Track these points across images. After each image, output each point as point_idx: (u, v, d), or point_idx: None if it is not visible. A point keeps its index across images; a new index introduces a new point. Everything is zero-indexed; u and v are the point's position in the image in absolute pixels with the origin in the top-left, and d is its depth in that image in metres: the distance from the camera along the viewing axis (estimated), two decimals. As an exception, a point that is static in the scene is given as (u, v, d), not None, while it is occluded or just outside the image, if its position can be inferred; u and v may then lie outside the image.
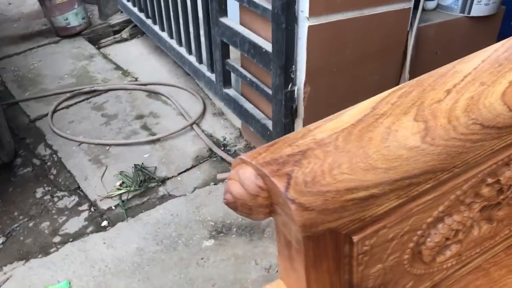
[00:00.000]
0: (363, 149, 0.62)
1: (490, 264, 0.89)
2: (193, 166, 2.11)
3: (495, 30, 2.09)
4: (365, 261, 0.67)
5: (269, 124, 1.88)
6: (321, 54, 1.67)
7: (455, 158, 0.66)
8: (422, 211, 0.69)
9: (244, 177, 0.62)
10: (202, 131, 2.31)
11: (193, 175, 2.06)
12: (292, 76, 1.68)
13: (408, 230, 0.70)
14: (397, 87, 0.73)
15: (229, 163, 2.08)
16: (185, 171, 2.09)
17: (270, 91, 1.80)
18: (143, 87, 2.68)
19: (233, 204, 0.63)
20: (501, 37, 2.17)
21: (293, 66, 1.67)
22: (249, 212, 0.63)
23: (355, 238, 0.64)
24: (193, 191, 1.97)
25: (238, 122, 2.28)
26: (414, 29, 1.82)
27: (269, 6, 1.62)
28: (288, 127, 1.79)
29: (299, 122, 1.80)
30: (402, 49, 1.85)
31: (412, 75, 1.84)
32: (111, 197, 1.97)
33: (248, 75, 1.92)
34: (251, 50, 1.79)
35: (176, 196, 1.95)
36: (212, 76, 2.22)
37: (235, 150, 2.17)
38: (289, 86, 1.70)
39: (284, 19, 1.56)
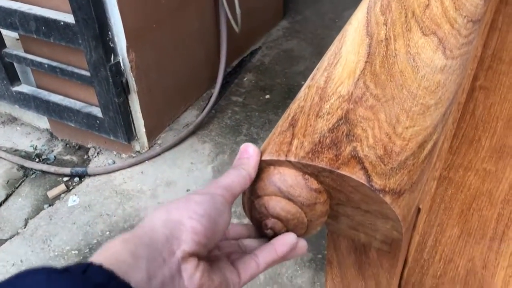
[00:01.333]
0: (405, 88, 0.46)
1: (446, 170, 0.86)
2: (8, 195, 1.64)
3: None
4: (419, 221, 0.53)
5: (96, 111, 1.54)
6: (137, 10, 1.39)
7: (466, 68, 0.56)
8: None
9: (287, 186, 0.40)
10: (-1, 148, 1.80)
11: (15, 205, 1.60)
12: (111, 45, 1.37)
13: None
14: (365, 3, 0.58)
15: (55, 174, 1.67)
16: (0, 205, 1.61)
17: (85, 72, 1.45)
18: None
19: (282, 231, 0.41)
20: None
21: (109, 33, 1.35)
22: (306, 231, 0.42)
23: (421, 204, 0.49)
24: (26, 225, 1.53)
25: (43, 122, 1.84)
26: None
27: (52, -35, 1.25)
28: (124, 108, 1.49)
29: (134, 98, 1.51)
30: (211, -15, 1.68)
31: (233, 11, 1.70)
32: None
33: (45, 61, 1.51)
34: (42, 28, 1.39)
35: (6, 240, 1.49)
36: (-13, 77, 1.70)
37: (55, 157, 1.75)
38: (112, 58, 1.38)
39: (82, -23, 1.22)
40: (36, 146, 1.80)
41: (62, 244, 1.44)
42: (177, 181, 1.57)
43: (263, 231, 0.41)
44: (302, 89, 0.49)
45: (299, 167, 0.40)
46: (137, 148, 1.66)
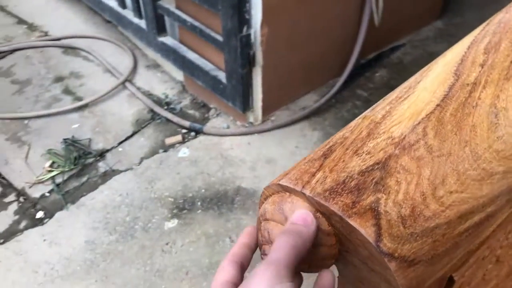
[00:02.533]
0: (469, 146, 0.41)
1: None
2: (134, 133, 1.82)
3: None
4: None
5: (222, 76, 1.61)
6: (278, -13, 1.40)
7: None
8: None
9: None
10: (138, 89, 1.99)
11: (137, 143, 1.78)
12: (246, 16, 1.40)
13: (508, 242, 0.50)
14: (472, 36, 0.51)
15: (176, 124, 1.80)
16: (126, 139, 1.80)
17: (219, 37, 1.51)
18: (56, 42, 2.26)
19: None
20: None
21: (247, 5, 1.38)
22: (307, 269, 0.40)
23: (457, 276, 0.43)
24: (140, 163, 1.69)
25: (179, 74, 1.98)
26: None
27: None
28: (246, 78, 1.54)
29: (257, 71, 1.54)
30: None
31: (377, 1, 1.62)
32: (42, 182, 1.65)
33: (189, 19, 1.61)
34: (191, -12, 1.48)
35: (121, 171, 1.67)
36: (142, 23, 1.88)
37: (180, 108, 1.89)
38: (244, 29, 1.42)
39: None
40: (168, 95, 1.95)
41: (163, 189, 1.57)
42: (277, 160, 1.59)
43: (261, 255, 0.41)
44: (358, 117, 0.46)
45: (313, 203, 0.38)
46: (251, 119, 1.71)
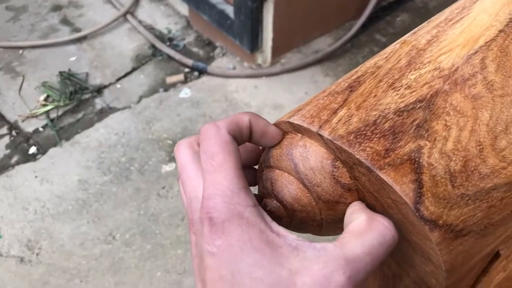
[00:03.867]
0: (542, 85, 0.31)
1: None
2: (134, 69, 1.71)
3: None
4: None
5: (229, 10, 1.48)
6: None
7: None
8: None
9: (306, 167, 0.29)
10: (139, 22, 1.87)
11: (136, 80, 1.67)
12: None
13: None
14: None
15: (179, 62, 1.69)
16: (124, 75, 1.69)
17: (228, -33, 1.38)
18: (55, -32, 2.11)
19: (285, 219, 0.31)
20: None
21: None
22: (319, 230, 0.32)
23: (503, 249, 0.35)
24: (138, 101, 1.60)
25: (184, 8, 1.85)
26: None
27: None
28: (256, 14, 1.41)
29: (269, 7, 1.42)
30: None
31: None
32: (36, 116, 1.57)
33: None
34: None
35: (119, 109, 1.58)
36: (146, -50, 1.73)
37: (184, 45, 1.77)
38: (256, -42, 1.28)
39: None
40: (171, 30, 1.83)
41: (161, 131, 1.48)
42: (285, 106, 1.49)
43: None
44: (395, 43, 0.35)
45: (333, 148, 0.29)
46: (259, 61, 1.60)
